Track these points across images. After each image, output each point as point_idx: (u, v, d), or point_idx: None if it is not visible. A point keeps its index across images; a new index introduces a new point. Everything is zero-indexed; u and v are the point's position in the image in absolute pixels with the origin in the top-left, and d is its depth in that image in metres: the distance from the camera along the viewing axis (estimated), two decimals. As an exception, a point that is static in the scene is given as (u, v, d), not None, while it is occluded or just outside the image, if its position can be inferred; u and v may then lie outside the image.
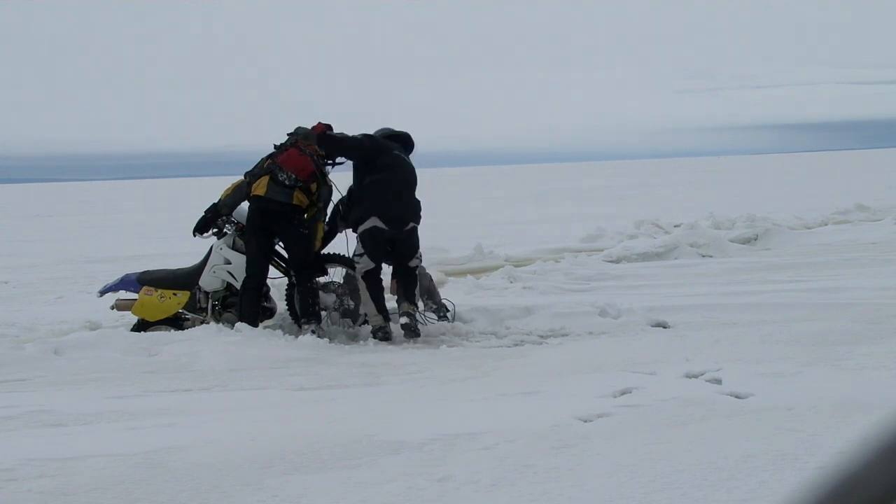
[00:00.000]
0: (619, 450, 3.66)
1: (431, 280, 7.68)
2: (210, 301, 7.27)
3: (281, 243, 7.24)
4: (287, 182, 7.02)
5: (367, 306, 7.07)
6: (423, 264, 7.74)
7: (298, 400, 5.09)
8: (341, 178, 7.34)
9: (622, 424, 4.04)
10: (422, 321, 7.17)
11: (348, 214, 7.21)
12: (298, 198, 7.06)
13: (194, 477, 3.53)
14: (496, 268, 10.75)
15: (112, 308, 7.51)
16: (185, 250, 9.83)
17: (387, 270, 7.39)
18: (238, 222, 7.33)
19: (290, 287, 7.23)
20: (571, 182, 50.55)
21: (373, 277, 7.04)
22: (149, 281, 7.32)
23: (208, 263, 7.30)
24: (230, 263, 7.23)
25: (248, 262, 7.09)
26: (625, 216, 17.96)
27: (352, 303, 7.28)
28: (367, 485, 3.40)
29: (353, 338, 7.08)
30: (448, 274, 10.36)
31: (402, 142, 7.40)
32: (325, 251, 7.39)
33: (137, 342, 6.53)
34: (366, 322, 7.15)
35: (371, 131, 7.46)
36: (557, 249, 12.88)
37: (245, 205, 7.25)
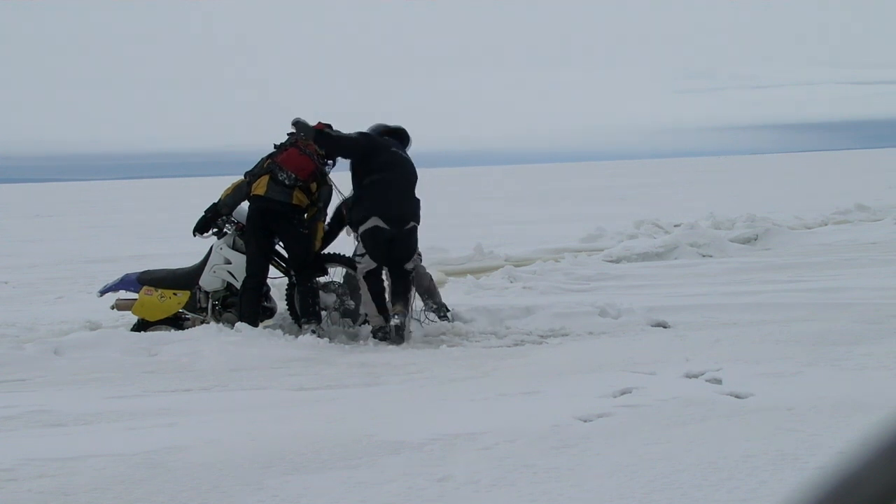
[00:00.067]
0: (619, 450, 3.66)
1: (431, 280, 7.67)
2: (210, 301, 7.28)
3: (281, 243, 7.24)
4: (287, 182, 7.02)
5: (367, 307, 7.05)
6: (423, 264, 7.73)
7: (298, 400, 5.09)
8: (341, 177, 7.33)
9: (622, 424, 4.05)
10: (421, 321, 7.15)
11: (350, 215, 7.20)
12: (298, 197, 7.06)
13: (194, 477, 3.53)
14: (496, 268, 10.75)
15: (112, 308, 7.51)
16: (185, 250, 9.83)
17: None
18: (238, 222, 7.33)
19: (290, 287, 7.23)
20: (571, 182, 50.55)
21: (374, 277, 7.03)
22: (149, 281, 7.32)
23: (208, 263, 7.30)
24: (230, 263, 7.23)
25: (248, 262, 7.09)
26: (625, 216, 17.96)
27: (352, 303, 7.27)
28: (367, 485, 3.40)
29: (353, 338, 7.08)
30: (448, 274, 10.36)
31: (398, 136, 7.37)
32: (325, 251, 7.39)
33: (137, 342, 6.53)
34: (366, 322, 7.15)
35: (366, 128, 7.44)
36: (557, 249, 12.88)
37: (245, 205, 7.25)
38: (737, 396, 4.49)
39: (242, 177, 7.25)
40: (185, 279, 7.32)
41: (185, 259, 7.99)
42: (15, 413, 4.71)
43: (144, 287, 7.29)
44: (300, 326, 7.04)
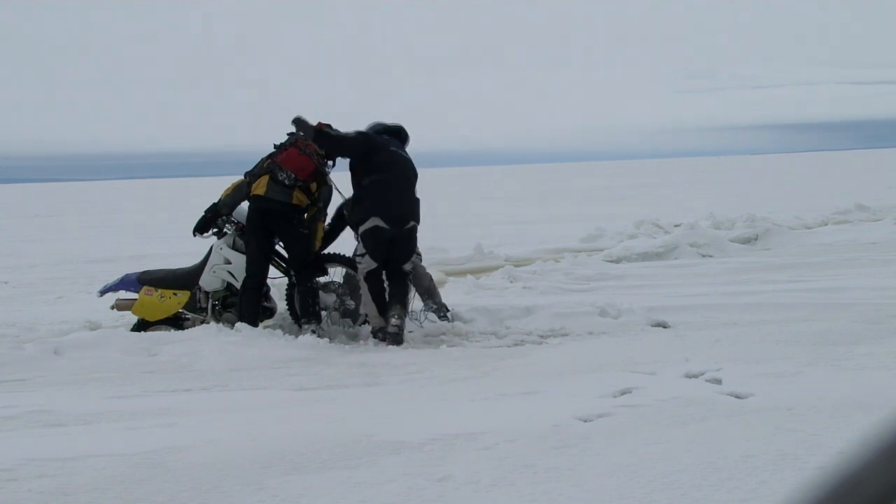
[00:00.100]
0: (619, 450, 3.66)
1: (431, 280, 7.67)
2: (210, 301, 7.28)
3: (281, 243, 7.24)
4: (287, 182, 7.01)
5: (368, 307, 7.03)
6: (423, 264, 7.73)
7: (298, 400, 5.09)
8: (342, 177, 7.33)
9: (622, 424, 4.04)
10: (420, 321, 7.14)
11: (350, 216, 7.19)
12: (298, 197, 7.06)
13: (194, 477, 3.53)
14: (496, 268, 10.75)
15: (112, 308, 7.51)
16: (185, 250, 9.83)
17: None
18: (238, 222, 7.33)
19: (290, 287, 7.23)
20: (571, 182, 50.56)
21: (375, 278, 7.01)
22: (149, 281, 7.32)
23: (208, 263, 7.30)
24: (230, 263, 7.23)
25: (248, 262, 7.09)
26: (625, 216, 17.96)
27: (352, 303, 7.27)
28: (367, 485, 3.40)
29: (353, 338, 7.07)
30: (448, 274, 10.37)
31: (396, 135, 7.36)
32: (325, 251, 7.39)
33: (137, 342, 6.53)
34: (366, 322, 7.15)
35: (364, 127, 7.44)
36: (557, 249, 12.88)
37: (245, 205, 7.25)
38: (737, 396, 4.49)
39: (242, 177, 7.25)
40: (185, 279, 7.31)
41: (185, 259, 7.99)
42: (15, 413, 4.71)
43: (144, 287, 7.29)
44: (300, 326, 7.04)
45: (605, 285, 9.56)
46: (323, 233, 7.30)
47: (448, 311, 7.45)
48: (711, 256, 11.87)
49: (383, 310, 6.97)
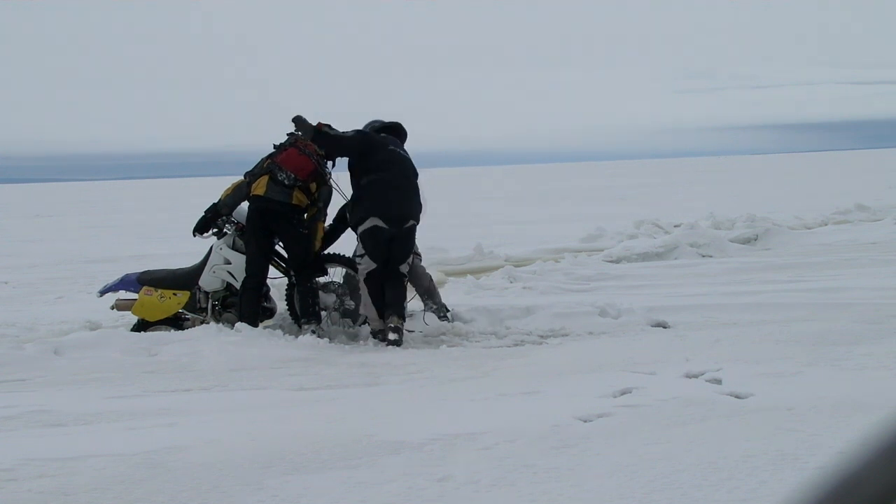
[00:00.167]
0: (619, 450, 3.66)
1: (431, 280, 7.66)
2: (210, 301, 7.28)
3: (281, 243, 7.24)
4: (286, 182, 7.02)
5: (368, 309, 7.00)
6: (423, 264, 7.72)
7: (298, 400, 5.09)
8: (342, 177, 7.32)
9: (622, 424, 4.04)
10: (419, 327, 7.10)
11: (350, 216, 7.18)
12: (298, 197, 7.06)
13: (194, 477, 3.53)
14: (496, 268, 10.75)
15: (112, 308, 7.51)
16: (185, 250, 9.83)
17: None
18: (238, 222, 7.33)
19: (290, 287, 7.23)
20: (571, 182, 50.56)
21: (375, 280, 6.99)
22: (149, 281, 7.32)
23: (208, 263, 7.30)
24: (230, 263, 7.23)
25: (248, 262, 7.09)
26: (625, 216, 17.96)
27: (352, 303, 7.27)
28: (367, 485, 3.40)
29: (353, 338, 7.07)
30: (448, 274, 10.37)
31: (395, 132, 7.35)
32: (325, 251, 7.38)
33: (137, 342, 6.53)
34: (365, 322, 7.14)
35: (362, 125, 7.43)
36: (557, 249, 12.88)
37: (245, 205, 7.25)
38: (737, 396, 4.49)
39: (242, 177, 7.25)
40: (185, 279, 7.31)
41: (185, 259, 7.99)
42: (15, 413, 4.71)
43: (144, 287, 7.29)
44: (300, 326, 7.04)
45: (605, 285, 9.56)
46: (323, 233, 7.30)
47: (448, 311, 7.45)
48: (711, 256, 11.87)
49: (383, 312, 6.95)
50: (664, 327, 7.00)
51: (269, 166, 7.08)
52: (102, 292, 7.49)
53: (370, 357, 6.36)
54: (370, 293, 6.95)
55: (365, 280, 6.96)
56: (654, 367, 5.28)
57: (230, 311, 7.23)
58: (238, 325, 6.81)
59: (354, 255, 7.08)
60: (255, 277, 7.07)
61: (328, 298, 7.30)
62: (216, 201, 7.36)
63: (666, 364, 5.35)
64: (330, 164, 7.27)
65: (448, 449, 3.77)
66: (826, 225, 15.89)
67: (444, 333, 7.06)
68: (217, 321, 7.12)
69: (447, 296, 7.93)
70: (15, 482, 3.52)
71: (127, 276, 7.46)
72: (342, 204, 7.33)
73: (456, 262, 11.79)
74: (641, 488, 3.20)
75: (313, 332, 6.88)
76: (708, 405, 4.30)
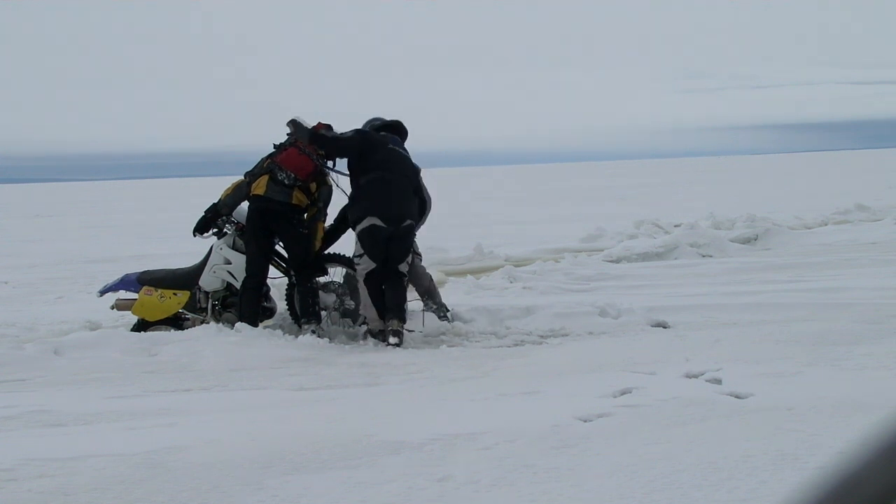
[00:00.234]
0: (619, 450, 3.66)
1: (431, 280, 7.66)
2: (210, 301, 7.28)
3: (281, 243, 7.24)
4: (286, 181, 7.02)
5: (367, 310, 6.99)
6: (423, 264, 7.71)
7: (298, 400, 5.09)
8: (342, 178, 7.32)
9: (622, 424, 4.04)
10: (419, 327, 7.09)
11: (350, 216, 7.16)
12: (298, 197, 7.06)
13: (194, 477, 3.53)
14: (496, 268, 10.75)
15: (112, 308, 7.51)
16: (185, 250, 9.83)
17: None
18: (238, 222, 7.33)
19: (290, 287, 7.23)
20: (571, 182, 50.56)
21: (374, 280, 6.98)
22: (149, 281, 7.32)
23: (208, 263, 7.30)
24: (230, 263, 7.23)
25: (248, 262, 7.09)
26: (625, 216, 17.96)
27: (352, 303, 7.26)
28: (367, 485, 3.40)
29: (353, 338, 7.07)
30: (448, 274, 10.37)
31: (395, 130, 7.34)
32: (325, 251, 7.38)
33: (137, 342, 6.53)
34: (365, 322, 7.12)
35: (362, 123, 7.41)
36: (557, 249, 12.88)
37: (245, 205, 7.25)
38: (737, 396, 4.49)
39: (242, 177, 7.25)
40: (185, 279, 7.31)
41: (185, 259, 7.99)
42: (15, 413, 4.71)
43: (144, 287, 7.29)
44: (300, 326, 7.04)
45: (605, 285, 9.56)
46: (323, 233, 7.30)
47: (448, 311, 7.44)
48: (711, 256, 11.87)
49: (383, 313, 6.94)
50: (664, 327, 7.00)
51: (269, 166, 7.08)
52: (102, 292, 7.49)
53: (370, 357, 6.36)
54: (370, 293, 6.94)
55: (364, 280, 6.95)
56: (654, 367, 5.28)
57: (230, 311, 7.23)
58: (238, 325, 6.81)
59: (353, 256, 7.07)
60: (255, 277, 7.07)
61: (328, 298, 7.30)
62: (216, 201, 7.36)
63: (666, 364, 5.36)
64: (330, 163, 7.27)
65: (448, 449, 3.77)
66: (826, 225, 15.89)
67: (444, 333, 7.05)
68: (217, 321, 7.12)
69: (447, 296, 7.93)
70: (15, 482, 3.53)
71: (127, 276, 7.46)
72: (343, 204, 7.33)
73: (456, 262, 11.79)
74: (641, 488, 3.20)
75: (313, 332, 6.88)
76: (708, 405, 4.30)
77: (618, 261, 11.78)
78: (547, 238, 14.70)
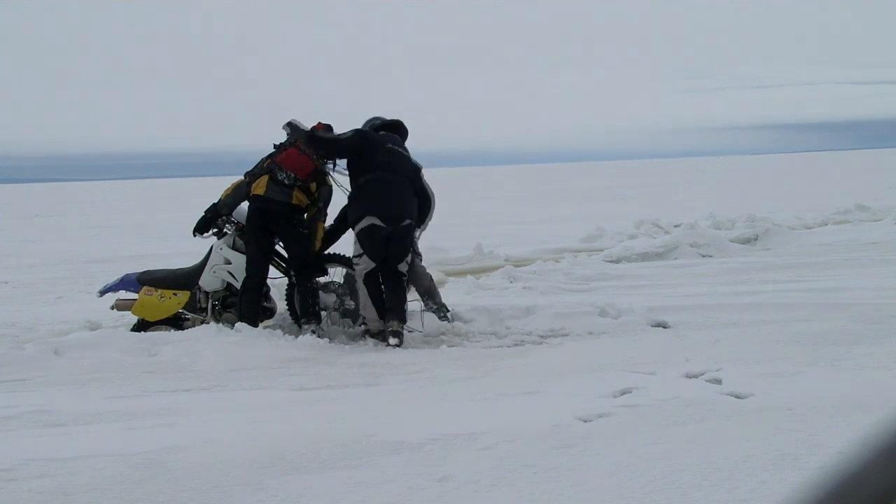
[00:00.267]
0: (619, 450, 3.66)
1: (431, 280, 7.66)
2: (210, 301, 7.27)
3: (281, 243, 7.24)
4: (286, 181, 7.02)
5: (366, 310, 6.98)
6: (423, 264, 7.71)
7: (298, 400, 5.09)
8: (346, 178, 7.31)
9: (622, 424, 4.05)
10: (419, 327, 7.09)
11: (349, 216, 7.15)
12: (298, 197, 7.06)
13: (194, 477, 3.53)
14: (496, 268, 10.75)
15: (112, 308, 7.50)
16: (185, 250, 9.83)
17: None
18: (238, 222, 7.33)
19: (290, 287, 7.23)
20: (571, 182, 50.56)
21: (373, 279, 6.98)
22: (149, 281, 7.32)
23: (208, 263, 7.30)
24: (230, 263, 7.23)
25: (248, 262, 7.09)
26: (625, 216, 17.96)
27: (352, 303, 7.26)
28: (367, 485, 3.40)
29: (353, 338, 7.07)
30: (448, 274, 10.37)
31: (395, 129, 7.33)
32: (325, 251, 7.38)
33: (137, 342, 6.53)
34: (364, 323, 7.11)
35: (362, 122, 7.40)
36: (557, 249, 12.88)
37: (245, 205, 7.25)
38: (737, 396, 4.49)
39: (242, 177, 7.25)
40: (185, 279, 7.31)
41: (185, 259, 7.99)
42: (15, 413, 4.71)
43: (144, 287, 7.29)
44: (300, 326, 7.04)
45: (605, 285, 9.56)
46: (323, 233, 7.30)
47: (448, 311, 7.44)
48: (711, 256, 11.87)
49: (382, 313, 6.94)
50: (664, 327, 7.00)
51: (269, 166, 7.08)
52: (102, 292, 7.49)
53: (370, 357, 6.36)
54: (369, 293, 6.93)
55: (363, 280, 6.94)
56: (654, 367, 5.28)
57: (230, 311, 7.23)
58: (238, 325, 6.81)
59: (353, 256, 7.06)
60: (255, 277, 7.07)
61: (328, 298, 7.30)
62: (216, 201, 7.36)
63: (666, 364, 5.36)
64: (329, 164, 7.26)
65: (448, 449, 3.77)
66: (826, 225, 15.89)
67: (444, 333, 7.05)
68: (217, 321, 7.12)
69: (447, 296, 7.93)
70: (15, 482, 3.53)
71: (127, 276, 7.46)
72: (343, 204, 7.32)
73: (456, 262, 11.79)
74: (641, 488, 3.20)
75: (313, 332, 6.88)
76: (708, 405, 4.30)
77: (618, 261, 11.78)
78: (547, 238, 14.70)
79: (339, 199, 7.31)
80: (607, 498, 3.15)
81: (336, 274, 7.45)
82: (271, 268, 7.28)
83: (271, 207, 7.00)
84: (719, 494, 3.13)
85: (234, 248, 7.27)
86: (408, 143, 7.40)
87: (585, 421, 4.11)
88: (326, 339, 6.84)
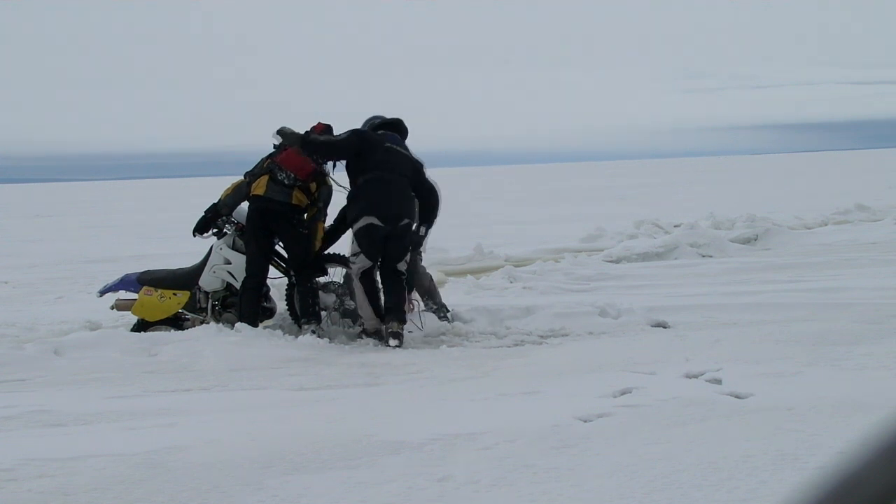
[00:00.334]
0: (619, 450, 3.66)
1: (432, 280, 7.66)
2: (210, 301, 7.27)
3: (281, 243, 7.24)
4: (286, 181, 7.01)
5: (363, 309, 6.97)
6: (423, 264, 7.71)
7: (298, 400, 5.09)
8: (342, 176, 7.31)
9: (622, 424, 4.05)
10: (419, 326, 7.08)
11: (348, 216, 7.14)
12: (298, 197, 7.06)
13: (194, 477, 3.53)
14: (496, 268, 10.76)
15: (112, 308, 7.50)
16: (185, 250, 9.83)
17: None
18: (238, 222, 7.33)
19: (290, 287, 7.23)
20: (571, 182, 50.56)
21: (370, 278, 6.97)
22: (149, 281, 7.32)
23: (208, 263, 7.30)
24: (230, 263, 7.23)
25: (248, 262, 7.08)
26: (625, 216, 17.97)
27: (352, 303, 7.26)
28: (367, 485, 3.40)
29: (353, 338, 7.07)
30: (448, 274, 10.37)
31: (395, 128, 7.30)
32: (325, 251, 7.38)
33: (137, 342, 6.53)
34: (361, 323, 7.09)
35: (362, 121, 7.38)
36: (557, 249, 12.89)
37: (245, 205, 7.25)
38: (737, 396, 4.49)
39: (242, 177, 7.24)
40: (185, 279, 7.31)
41: (185, 259, 7.99)
42: (15, 413, 4.71)
43: (144, 287, 7.29)
44: (300, 326, 7.04)
45: (605, 285, 9.56)
46: (323, 233, 7.30)
47: (448, 311, 7.44)
48: (711, 256, 11.87)
49: (379, 311, 6.93)
50: (664, 327, 7.00)
51: (269, 166, 7.08)
52: (102, 292, 7.49)
53: (370, 357, 6.36)
54: (365, 291, 6.92)
55: (360, 278, 6.93)
56: (654, 367, 5.28)
57: (230, 311, 7.23)
58: (238, 325, 6.81)
59: (350, 255, 7.04)
60: (255, 277, 7.07)
61: (328, 298, 7.30)
62: (216, 201, 7.36)
63: (666, 364, 5.36)
64: (329, 165, 7.25)
65: (448, 449, 3.77)
66: (826, 225, 15.89)
67: (444, 333, 7.05)
68: (217, 321, 7.12)
69: (447, 296, 7.93)
70: (15, 482, 3.52)
71: (127, 276, 7.46)
72: (343, 204, 7.31)
73: (456, 262, 11.79)
74: (641, 488, 3.20)
75: (313, 332, 6.88)
76: (708, 405, 4.30)
77: (618, 261, 11.78)
78: (547, 238, 14.70)
79: (339, 199, 7.31)
80: (607, 498, 3.15)
81: (336, 274, 7.45)
82: (271, 268, 7.28)
83: (271, 207, 7.00)
84: (719, 494, 3.13)
85: (234, 248, 7.27)
86: (409, 144, 7.37)
87: (585, 421, 4.11)
88: (326, 339, 6.84)
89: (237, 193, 7.24)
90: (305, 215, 7.17)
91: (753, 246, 13.23)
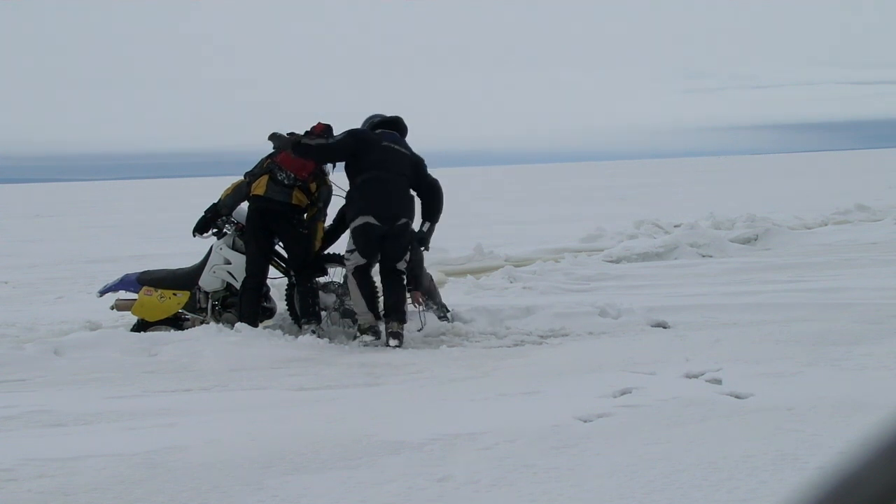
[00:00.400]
0: (619, 450, 3.66)
1: (432, 280, 7.66)
2: (210, 301, 7.27)
3: (281, 243, 7.24)
4: (286, 181, 7.01)
5: (357, 304, 6.95)
6: (424, 264, 7.70)
7: (298, 400, 5.09)
8: (342, 177, 7.31)
9: (622, 424, 4.05)
10: (420, 325, 7.08)
11: (347, 215, 7.14)
12: (298, 197, 7.06)
13: (194, 477, 3.53)
14: (496, 268, 10.76)
15: (112, 308, 7.50)
16: (185, 250, 9.83)
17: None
18: (238, 222, 7.33)
19: (290, 287, 7.23)
20: (571, 182, 50.56)
21: (363, 274, 6.94)
22: (149, 281, 7.32)
23: (208, 263, 7.30)
24: (230, 263, 7.23)
25: (248, 262, 7.08)
26: (625, 216, 17.97)
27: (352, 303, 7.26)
28: (367, 485, 3.40)
29: (353, 338, 7.06)
30: (448, 274, 10.37)
31: (394, 126, 7.28)
32: (325, 251, 7.37)
33: (137, 342, 6.53)
34: (356, 319, 7.07)
35: (362, 121, 7.37)
36: (557, 249, 12.89)
37: (245, 205, 7.25)
38: (737, 396, 4.49)
39: (242, 177, 7.24)
40: (185, 279, 7.31)
41: (185, 259, 7.99)
42: (15, 413, 4.70)
43: (144, 287, 7.29)
44: (300, 326, 7.04)
45: (605, 285, 9.56)
46: (323, 233, 7.30)
47: (448, 311, 7.44)
48: (711, 256, 11.87)
49: (373, 306, 6.92)
50: (664, 327, 7.00)
51: (269, 166, 7.08)
52: (102, 292, 7.49)
53: (370, 357, 6.36)
54: (359, 286, 6.89)
55: (353, 274, 6.91)
56: (654, 367, 5.28)
57: (230, 311, 7.23)
58: (238, 325, 6.81)
59: (345, 251, 7.01)
60: (255, 277, 7.07)
61: (328, 298, 7.30)
62: (216, 201, 7.36)
63: (666, 364, 5.36)
64: (330, 166, 7.24)
65: (448, 449, 3.77)
66: (826, 225, 15.89)
67: (444, 333, 7.05)
68: (217, 321, 7.12)
69: (447, 296, 7.93)
70: (15, 482, 3.52)
71: (127, 276, 7.46)
72: (342, 204, 7.31)
73: (456, 262, 11.79)
74: (641, 488, 3.20)
75: (313, 332, 6.88)
76: (708, 405, 4.30)
77: (618, 261, 11.78)
78: (547, 238, 14.70)
79: (339, 199, 7.32)
80: (607, 498, 3.15)
81: (336, 274, 7.45)
82: (271, 268, 7.28)
83: (271, 207, 7.00)
84: (719, 494, 3.13)
85: (233, 248, 7.27)
86: (409, 143, 7.35)
87: (585, 421, 4.11)
88: (326, 339, 6.84)
89: (237, 193, 7.24)
90: (305, 215, 7.17)
91: (753, 246, 13.23)
